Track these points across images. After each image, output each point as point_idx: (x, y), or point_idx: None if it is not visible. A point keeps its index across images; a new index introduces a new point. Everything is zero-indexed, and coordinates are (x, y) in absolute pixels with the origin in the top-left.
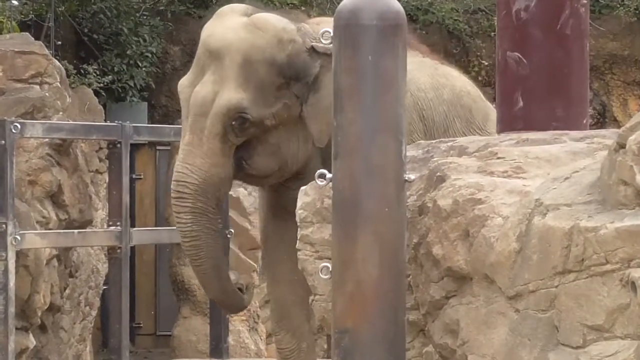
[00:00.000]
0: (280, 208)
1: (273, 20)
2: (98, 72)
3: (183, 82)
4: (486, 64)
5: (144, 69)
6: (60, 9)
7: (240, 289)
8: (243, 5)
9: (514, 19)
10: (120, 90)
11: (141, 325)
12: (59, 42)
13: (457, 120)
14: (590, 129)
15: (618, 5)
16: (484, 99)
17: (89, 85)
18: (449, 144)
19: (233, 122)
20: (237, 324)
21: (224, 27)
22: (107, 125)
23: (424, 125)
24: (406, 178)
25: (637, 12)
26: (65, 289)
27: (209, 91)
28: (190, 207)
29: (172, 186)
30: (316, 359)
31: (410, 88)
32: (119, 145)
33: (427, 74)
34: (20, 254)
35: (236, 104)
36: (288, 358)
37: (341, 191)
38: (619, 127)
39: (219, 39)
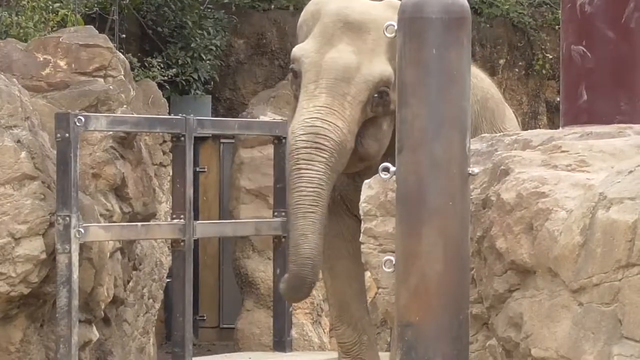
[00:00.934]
0: (338, 204)
1: None
2: (162, 65)
3: (307, 48)
4: (550, 57)
5: (208, 62)
6: (124, 2)
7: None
8: None
9: (579, 12)
10: (184, 83)
11: (204, 318)
12: (123, 35)
13: (485, 122)
14: None
15: None
16: (504, 101)
17: (153, 78)
18: (513, 137)
19: (376, 95)
20: (300, 317)
21: (361, 4)
22: (171, 118)
23: None
24: (470, 172)
25: None
26: (128, 281)
27: (351, 59)
28: (326, 159)
29: (304, 137)
30: (377, 352)
31: None
32: (182, 138)
33: None
34: (83, 247)
35: (388, 76)
36: (350, 351)
37: (405, 185)
38: None
39: (361, 12)
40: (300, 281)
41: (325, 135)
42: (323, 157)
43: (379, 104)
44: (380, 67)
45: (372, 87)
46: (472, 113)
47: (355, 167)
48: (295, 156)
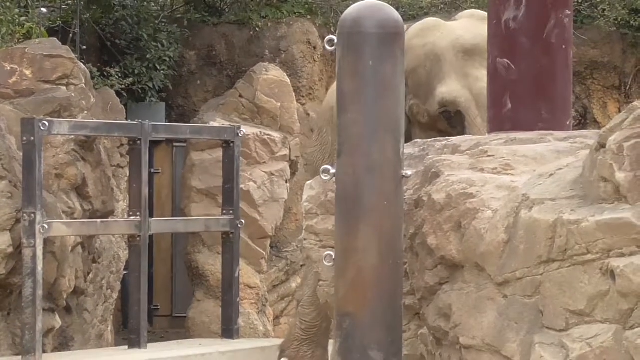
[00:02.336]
0: None
1: None
2: (120, 75)
3: (453, 90)
4: None
5: (162, 72)
6: (85, 16)
7: None
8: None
9: (504, 28)
10: (140, 92)
11: (158, 307)
12: (84, 47)
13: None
14: (573, 129)
15: (599, 16)
16: None
17: (112, 86)
18: (443, 142)
19: None
20: (247, 307)
21: (468, 29)
22: (128, 124)
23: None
24: (403, 174)
25: (616, 22)
26: (88, 273)
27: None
28: None
29: None
30: (328, 340)
31: None
32: (139, 142)
33: None
34: (47, 241)
35: None
36: (307, 331)
37: (344, 186)
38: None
39: (473, 37)
40: None
41: None
42: None
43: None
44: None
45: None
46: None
47: None
48: None
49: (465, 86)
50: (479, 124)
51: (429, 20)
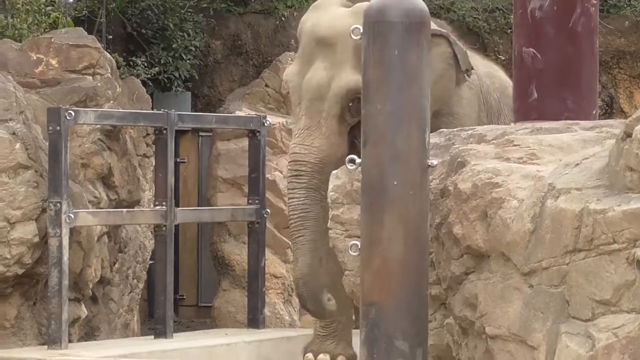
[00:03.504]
0: None
1: None
2: (146, 64)
3: (290, 72)
4: (503, 59)
5: (188, 61)
6: (111, 5)
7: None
8: None
9: (529, 17)
10: (166, 81)
11: (184, 297)
12: (110, 37)
13: (506, 108)
14: (599, 119)
15: (625, 5)
16: None
17: (137, 76)
18: (469, 132)
19: (350, 104)
20: (272, 296)
21: (329, 17)
22: (154, 113)
23: (486, 106)
24: (429, 163)
25: None
26: (114, 263)
27: (322, 76)
28: (306, 183)
29: (289, 165)
30: (351, 331)
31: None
32: (164, 131)
33: (481, 64)
34: (73, 231)
35: (354, 85)
36: (327, 327)
37: (369, 175)
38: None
39: (327, 27)
40: (300, 299)
41: (302, 161)
42: (302, 182)
43: (357, 110)
44: (345, 78)
45: (341, 100)
46: (492, 99)
47: None
48: (287, 184)
49: (301, 73)
50: (296, 114)
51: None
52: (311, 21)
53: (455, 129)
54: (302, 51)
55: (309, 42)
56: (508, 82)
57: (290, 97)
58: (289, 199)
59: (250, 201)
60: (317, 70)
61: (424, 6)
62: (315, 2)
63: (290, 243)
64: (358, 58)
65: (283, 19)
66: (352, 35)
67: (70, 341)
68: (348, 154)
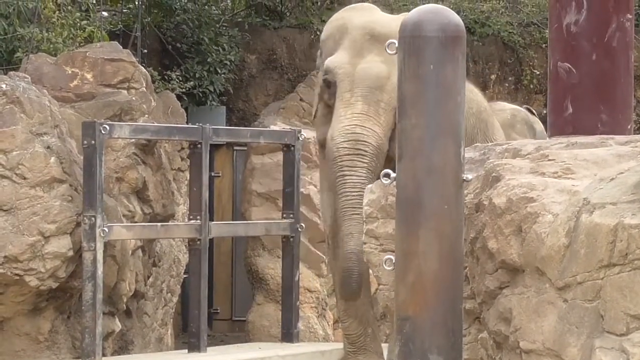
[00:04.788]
0: None
1: None
2: (181, 78)
3: (340, 60)
4: (538, 73)
5: (222, 75)
6: (146, 19)
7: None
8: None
9: (565, 32)
10: (200, 95)
11: (218, 311)
12: (145, 51)
13: (480, 133)
14: (634, 134)
15: None
16: (491, 113)
17: (172, 90)
18: (504, 146)
19: None
20: (306, 310)
21: (385, 17)
22: (188, 127)
23: None
24: (464, 178)
25: None
26: (149, 277)
27: (382, 68)
28: (368, 164)
29: (345, 144)
30: (380, 343)
31: None
32: (199, 145)
33: None
34: (107, 245)
35: None
36: (355, 342)
37: (404, 189)
38: None
39: (384, 25)
40: (347, 273)
41: (365, 141)
42: (364, 162)
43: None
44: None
45: None
46: (468, 125)
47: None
48: (339, 163)
49: (352, 63)
50: (346, 99)
51: (364, 4)
52: (364, 17)
53: (490, 144)
54: (350, 43)
55: (362, 36)
56: (483, 106)
57: (335, 83)
58: (345, 176)
59: (284, 215)
60: (374, 62)
61: (459, 21)
62: (354, 5)
63: (323, 257)
64: None
65: (318, 33)
66: (388, 50)
67: (104, 355)
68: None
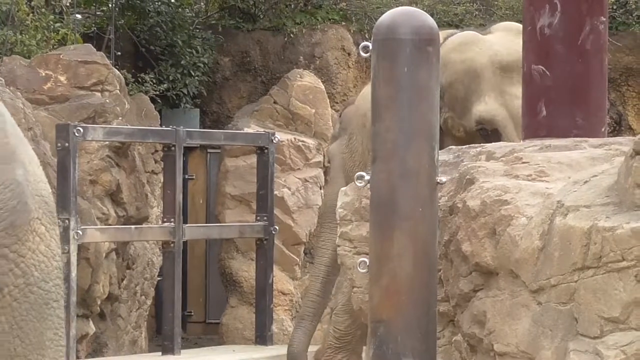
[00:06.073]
0: None
1: None
2: (154, 81)
3: (491, 106)
4: None
5: (196, 78)
6: (120, 22)
7: None
8: None
9: (539, 34)
10: (174, 98)
11: (192, 313)
12: (119, 53)
13: None
14: (608, 136)
15: (634, 23)
16: None
17: (146, 92)
18: (478, 149)
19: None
20: (280, 313)
21: (498, 44)
22: (162, 130)
23: None
24: (438, 180)
25: None
26: (122, 279)
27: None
28: None
29: None
30: (363, 347)
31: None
32: (173, 148)
33: None
34: (81, 248)
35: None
36: (342, 339)
37: (378, 192)
38: (634, 135)
39: (510, 52)
40: None
41: None
42: None
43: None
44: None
45: None
46: None
47: None
48: None
49: (502, 104)
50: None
51: (468, 35)
52: (484, 54)
53: (465, 146)
54: (489, 86)
55: (494, 73)
56: None
57: (501, 129)
58: None
59: (258, 218)
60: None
61: (433, 23)
62: (459, 39)
63: (297, 260)
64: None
65: (292, 35)
66: (361, 52)
67: (77, 357)
68: None
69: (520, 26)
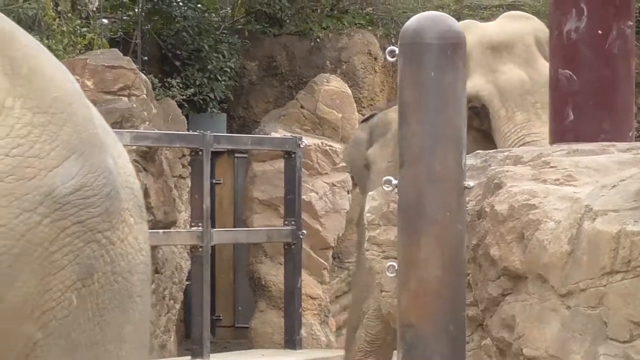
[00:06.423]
0: None
1: None
2: (181, 85)
3: (478, 84)
4: None
5: (223, 82)
6: (146, 27)
7: None
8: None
9: (565, 39)
10: (201, 102)
11: (221, 317)
12: (145, 58)
13: None
14: (635, 141)
15: None
16: None
17: (173, 97)
18: (505, 153)
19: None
20: (309, 317)
21: (492, 27)
22: (189, 135)
23: None
24: (466, 185)
25: None
26: (151, 284)
27: (520, 73)
28: None
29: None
30: (393, 353)
31: None
32: (200, 152)
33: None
34: None
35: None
36: (372, 343)
37: (406, 197)
38: None
39: (499, 33)
40: None
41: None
42: None
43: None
44: (544, 67)
45: None
46: None
47: None
48: None
49: (489, 80)
50: (502, 115)
51: (465, 22)
52: (475, 35)
53: (492, 151)
54: (477, 64)
55: (482, 52)
56: None
57: (487, 104)
58: None
59: (286, 222)
60: (511, 70)
61: (459, 28)
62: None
63: (325, 264)
64: (540, 49)
65: (318, 40)
66: (387, 57)
67: None
68: None
69: (522, 13)
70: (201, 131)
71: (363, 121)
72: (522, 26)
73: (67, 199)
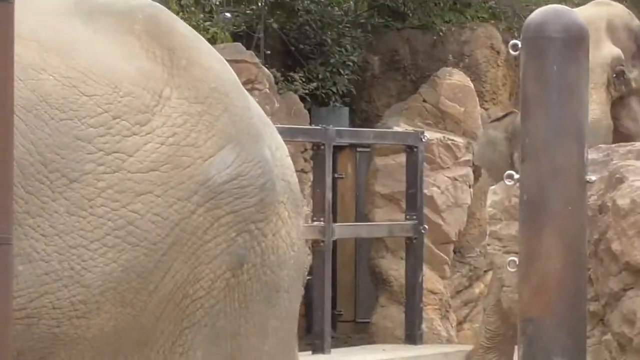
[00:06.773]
0: None
1: None
2: (303, 79)
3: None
4: None
5: (345, 76)
6: (269, 21)
7: None
8: None
9: None
10: (324, 96)
11: (342, 312)
12: (268, 52)
13: None
14: None
15: None
16: None
17: (295, 91)
18: (627, 147)
19: (614, 74)
20: (430, 312)
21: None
22: (311, 129)
23: None
24: (588, 179)
25: None
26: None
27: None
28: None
29: None
30: (514, 349)
31: None
32: (322, 147)
33: None
34: None
35: (617, 54)
36: (492, 340)
37: (528, 191)
38: None
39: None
40: None
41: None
42: None
43: (618, 83)
44: (608, 48)
45: (608, 68)
46: None
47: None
48: None
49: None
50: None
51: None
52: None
53: (614, 145)
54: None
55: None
56: None
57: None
58: None
59: (407, 217)
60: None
61: (582, 22)
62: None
63: (446, 259)
64: (612, 34)
65: (441, 34)
66: (510, 50)
67: None
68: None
69: (607, 0)
70: (323, 125)
71: (494, 120)
72: (599, 11)
73: (222, 188)
